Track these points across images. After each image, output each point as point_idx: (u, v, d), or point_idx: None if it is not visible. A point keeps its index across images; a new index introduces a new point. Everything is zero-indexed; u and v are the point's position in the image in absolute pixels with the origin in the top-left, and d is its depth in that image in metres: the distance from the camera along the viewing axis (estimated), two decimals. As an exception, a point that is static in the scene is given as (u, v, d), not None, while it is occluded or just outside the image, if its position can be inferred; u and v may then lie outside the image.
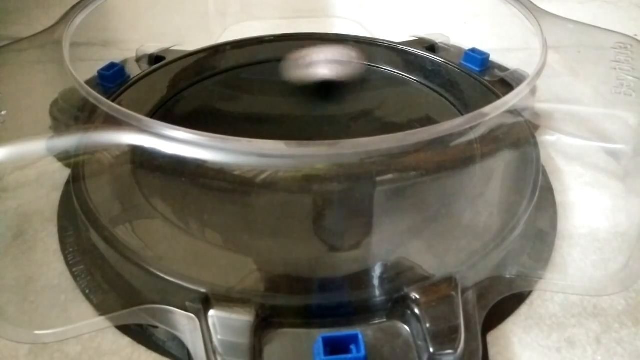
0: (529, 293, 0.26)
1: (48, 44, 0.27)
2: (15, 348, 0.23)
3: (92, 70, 0.35)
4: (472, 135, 0.26)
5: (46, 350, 0.23)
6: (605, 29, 0.29)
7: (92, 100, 0.23)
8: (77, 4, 0.30)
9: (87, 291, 0.26)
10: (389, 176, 0.23)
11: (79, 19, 0.29)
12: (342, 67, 0.34)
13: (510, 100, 0.23)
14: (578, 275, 0.27)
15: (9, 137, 0.24)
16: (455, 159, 0.25)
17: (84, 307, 0.25)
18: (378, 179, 0.23)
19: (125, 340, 0.24)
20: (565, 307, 0.25)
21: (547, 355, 0.23)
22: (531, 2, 0.31)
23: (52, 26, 0.28)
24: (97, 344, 0.24)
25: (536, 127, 0.30)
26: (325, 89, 0.34)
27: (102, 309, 0.25)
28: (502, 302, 0.25)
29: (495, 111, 0.23)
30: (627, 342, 0.24)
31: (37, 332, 0.23)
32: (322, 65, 0.34)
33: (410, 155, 0.23)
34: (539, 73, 0.25)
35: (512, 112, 0.24)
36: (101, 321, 0.24)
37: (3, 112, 0.24)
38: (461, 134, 0.23)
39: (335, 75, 0.34)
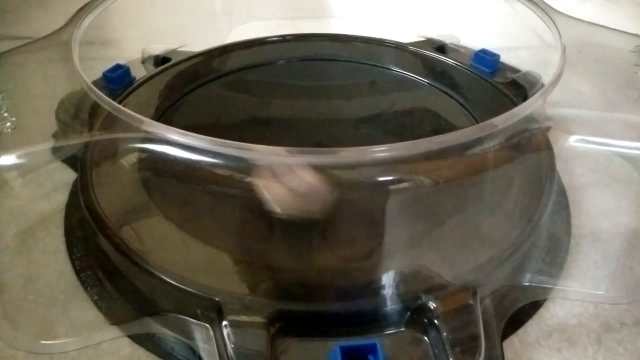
0: (544, 301, 0.26)
1: (56, 46, 0.27)
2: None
3: (97, 71, 0.35)
4: (485, 143, 0.26)
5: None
6: (623, 32, 0.29)
7: (102, 104, 0.23)
8: (85, 5, 0.30)
9: (96, 298, 0.25)
10: (404, 184, 0.23)
11: (87, 21, 0.29)
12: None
13: (524, 110, 0.23)
14: (594, 283, 0.26)
15: (18, 141, 0.23)
16: (468, 167, 0.24)
17: (93, 315, 0.25)
18: (391, 187, 0.23)
19: (125, 340, 0.24)
20: (566, 307, 0.25)
21: (548, 355, 0.23)
22: (545, 3, 0.31)
23: (61, 28, 0.28)
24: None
25: (548, 129, 0.30)
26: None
27: (112, 318, 0.24)
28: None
29: (506, 122, 0.22)
30: (628, 342, 0.24)
31: (44, 342, 0.23)
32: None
33: (420, 164, 0.22)
34: (554, 83, 0.24)
35: (526, 116, 0.24)
36: (111, 331, 0.23)
37: (14, 118, 0.23)
38: (473, 142, 0.23)
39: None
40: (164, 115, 0.34)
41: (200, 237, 0.25)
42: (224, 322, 0.21)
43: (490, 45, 0.38)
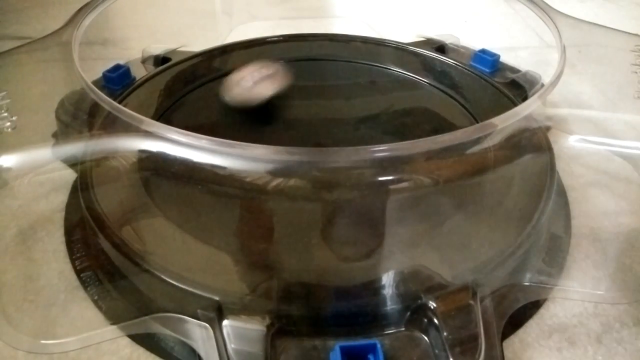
0: (544, 301, 0.26)
1: (56, 46, 0.27)
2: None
3: (97, 71, 0.35)
4: (485, 143, 0.26)
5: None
6: (623, 31, 0.29)
7: (102, 104, 0.23)
8: (85, 5, 0.30)
9: (96, 297, 0.25)
10: (404, 184, 0.23)
11: (87, 21, 0.29)
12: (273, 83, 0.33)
13: (523, 110, 0.23)
14: (594, 282, 0.26)
15: (18, 141, 0.23)
16: (468, 166, 0.24)
17: (93, 315, 0.25)
18: (391, 187, 0.23)
19: (125, 340, 0.24)
20: (566, 307, 0.25)
21: (548, 355, 0.23)
22: (545, 3, 0.31)
23: (61, 28, 0.28)
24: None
25: (548, 129, 0.30)
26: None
27: (112, 317, 0.24)
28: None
29: (506, 122, 0.22)
30: (628, 342, 0.24)
31: (44, 341, 0.23)
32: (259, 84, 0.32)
33: (420, 164, 0.22)
34: (554, 83, 0.24)
35: (526, 116, 0.24)
36: (111, 330, 0.23)
37: (14, 118, 0.23)
38: (473, 142, 0.23)
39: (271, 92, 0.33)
40: (164, 115, 0.34)
41: (200, 237, 0.25)
42: (224, 322, 0.21)
43: (490, 45, 0.38)
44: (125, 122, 0.22)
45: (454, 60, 0.38)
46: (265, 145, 0.20)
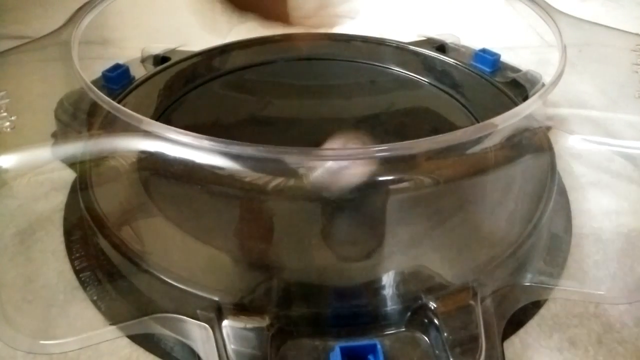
0: (545, 302, 0.25)
1: (56, 45, 0.27)
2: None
3: (96, 71, 0.35)
4: (485, 142, 0.26)
5: (44, 349, 0.23)
6: (623, 31, 0.29)
7: (101, 103, 0.23)
8: (85, 4, 0.30)
9: (95, 298, 0.25)
10: (404, 184, 0.23)
11: (86, 20, 0.29)
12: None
13: (524, 110, 0.23)
14: (595, 283, 0.26)
15: (17, 141, 0.23)
16: (469, 166, 0.24)
17: (92, 315, 0.25)
18: (391, 187, 0.23)
19: (124, 341, 0.24)
20: (566, 307, 0.25)
21: (549, 356, 0.23)
22: (546, 2, 0.31)
23: (60, 27, 0.28)
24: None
25: (548, 128, 0.30)
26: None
27: (111, 318, 0.24)
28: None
29: (507, 121, 0.22)
30: (629, 342, 0.24)
31: (43, 342, 0.23)
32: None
33: (420, 163, 0.22)
34: (555, 82, 0.24)
35: (527, 116, 0.24)
36: (111, 331, 0.23)
37: (13, 118, 0.23)
38: (473, 142, 0.23)
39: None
40: (163, 115, 0.34)
41: (199, 237, 0.25)
42: (224, 323, 0.21)
43: (491, 45, 0.38)
44: (125, 121, 0.22)
45: (455, 59, 0.38)
46: (265, 145, 0.20)
